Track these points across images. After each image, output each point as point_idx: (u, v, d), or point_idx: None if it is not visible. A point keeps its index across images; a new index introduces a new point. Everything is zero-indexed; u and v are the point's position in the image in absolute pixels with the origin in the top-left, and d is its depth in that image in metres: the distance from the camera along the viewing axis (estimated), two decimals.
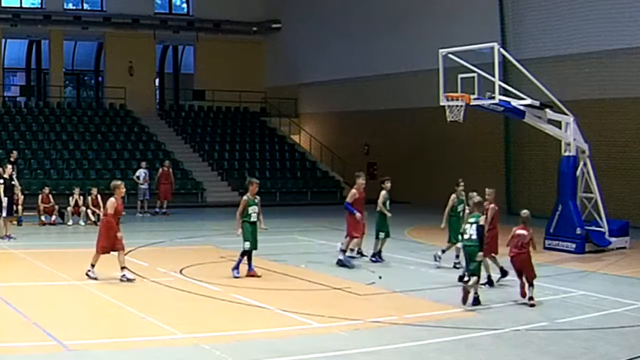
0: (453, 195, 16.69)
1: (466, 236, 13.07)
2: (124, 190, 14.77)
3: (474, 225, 12.91)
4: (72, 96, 42.70)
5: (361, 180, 16.96)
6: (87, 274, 14.26)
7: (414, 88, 32.42)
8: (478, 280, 12.83)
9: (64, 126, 36.35)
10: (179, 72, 44.74)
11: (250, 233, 14.91)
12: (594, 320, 11.81)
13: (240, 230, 14.91)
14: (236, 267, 14.97)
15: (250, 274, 14.94)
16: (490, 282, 14.36)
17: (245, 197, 15.02)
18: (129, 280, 14.09)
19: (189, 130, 38.86)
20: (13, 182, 20.98)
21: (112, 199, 14.49)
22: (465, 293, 12.66)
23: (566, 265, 17.28)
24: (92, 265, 14.31)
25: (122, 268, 14.18)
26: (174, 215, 27.95)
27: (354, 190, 16.94)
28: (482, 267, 14.18)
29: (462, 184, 16.87)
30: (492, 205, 14.68)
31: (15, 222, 22.03)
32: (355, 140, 37.13)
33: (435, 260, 16.49)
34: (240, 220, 14.94)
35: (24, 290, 13.47)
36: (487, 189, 15.11)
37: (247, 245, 14.87)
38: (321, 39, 38.61)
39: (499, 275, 14.65)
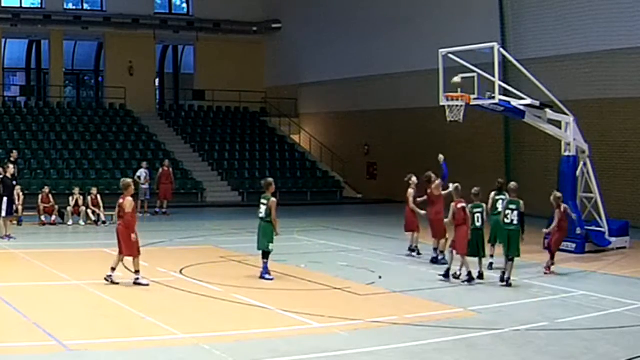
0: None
1: (507, 220, 14.62)
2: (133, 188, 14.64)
3: (515, 212, 14.54)
4: (72, 96, 42.71)
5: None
6: (137, 282, 13.86)
7: (414, 88, 32.43)
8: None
9: (64, 126, 36.35)
10: (179, 72, 44.77)
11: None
12: (594, 320, 11.81)
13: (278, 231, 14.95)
14: (267, 272, 14.88)
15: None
16: (470, 279, 14.68)
17: (274, 199, 14.86)
18: (141, 284, 13.91)
19: (189, 130, 38.87)
20: (14, 182, 20.99)
21: (129, 198, 14.11)
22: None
23: (566, 265, 17.26)
24: (137, 272, 13.92)
25: (137, 272, 14.03)
26: (174, 215, 27.95)
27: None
28: (466, 264, 14.78)
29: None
30: (461, 205, 14.79)
31: (15, 222, 22.03)
32: (355, 140, 37.14)
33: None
34: (276, 222, 14.88)
35: (24, 290, 13.46)
36: (450, 185, 15.56)
37: (272, 246, 14.88)
38: (321, 39, 38.61)
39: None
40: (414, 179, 17.88)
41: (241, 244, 19.25)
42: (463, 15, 30.67)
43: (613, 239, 19.78)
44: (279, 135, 40.29)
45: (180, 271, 15.46)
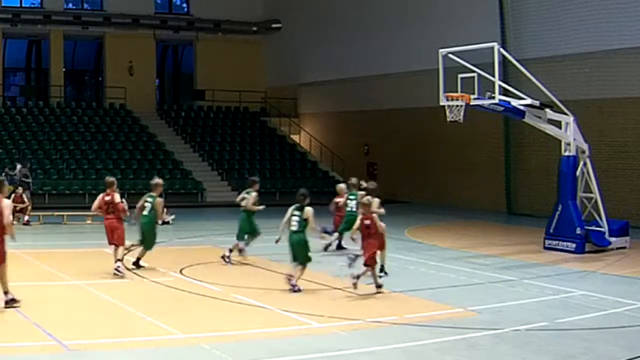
0: None
1: None
2: None
3: None
4: (72, 96, 42.71)
5: None
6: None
7: (414, 88, 32.41)
8: None
9: (64, 126, 36.37)
10: (179, 72, 44.78)
11: None
12: (594, 320, 11.80)
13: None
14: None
15: None
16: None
17: (160, 199, 15.89)
18: None
19: (189, 130, 38.88)
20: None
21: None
22: None
23: (566, 265, 17.27)
24: None
25: None
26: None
27: None
28: None
29: None
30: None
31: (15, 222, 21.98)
32: (355, 140, 37.15)
33: None
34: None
35: (24, 290, 13.45)
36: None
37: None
38: (321, 39, 38.62)
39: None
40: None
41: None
42: (463, 15, 30.67)
43: (613, 239, 19.77)
44: (279, 135, 40.30)
45: (180, 271, 15.45)
